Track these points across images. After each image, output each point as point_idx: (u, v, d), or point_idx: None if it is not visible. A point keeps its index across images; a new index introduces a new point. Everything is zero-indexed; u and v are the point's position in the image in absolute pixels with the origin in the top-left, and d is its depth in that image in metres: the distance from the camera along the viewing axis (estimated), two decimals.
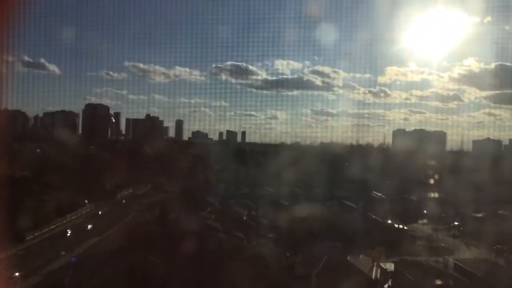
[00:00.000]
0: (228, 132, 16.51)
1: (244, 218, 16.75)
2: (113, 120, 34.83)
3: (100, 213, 18.55)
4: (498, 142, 11.51)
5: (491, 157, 12.22)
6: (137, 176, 22.37)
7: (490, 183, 13.61)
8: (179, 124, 20.07)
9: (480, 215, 15.60)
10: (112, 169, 22.43)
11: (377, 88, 14.57)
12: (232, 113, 12.62)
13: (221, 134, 17.02)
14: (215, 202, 18.71)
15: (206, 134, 17.73)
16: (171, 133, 22.43)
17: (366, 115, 17.22)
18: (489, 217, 15.06)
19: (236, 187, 18.84)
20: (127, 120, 35.31)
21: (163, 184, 21.38)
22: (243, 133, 16.19)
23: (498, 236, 14.22)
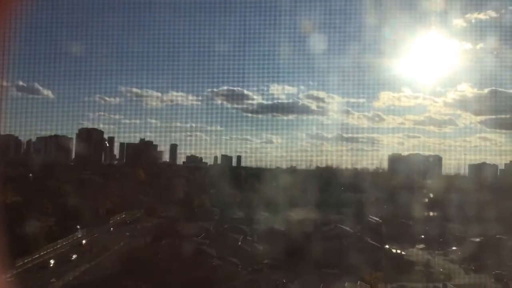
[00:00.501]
0: (223, 156, 16.54)
1: (239, 243, 16.54)
2: (107, 145, 34.74)
3: (91, 239, 18.19)
4: (494, 166, 11.63)
5: (488, 181, 12.21)
6: (131, 201, 22.09)
7: (487, 207, 13.58)
8: (173, 149, 20.03)
9: (478, 239, 15.50)
10: (105, 194, 22.17)
11: (372, 112, 14.93)
12: (227, 138, 12.70)
13: (216, 158, 17.04)
14: (209, 227, 18.49)
15: (201, 159, 17.76)
16: (166, 157, 22.38)
17: (361, 140, 17.40)
18: (487, 241, 14.96)
19: (231, 211, 18.63)
20: (121, 144, 35.21)
21: (157, 209, 21.10)
22: (239, 158, 16.24)
23: (496, 261, 14.10)
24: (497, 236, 15.20)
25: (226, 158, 16.14)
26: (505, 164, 11.04)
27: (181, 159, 18.59)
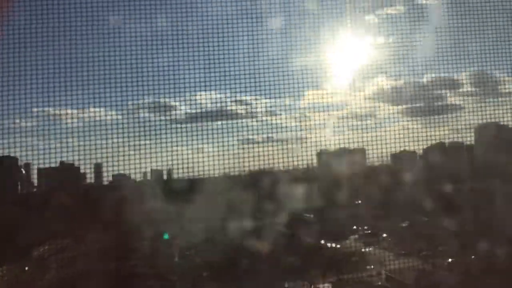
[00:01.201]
0: (153, 171, 15.92)
1: (176, 259, 16.19)
2: (23, 172, 32.11)
3: (10, 275, 16.64)
4: (413, 153, 12.29)
5: (409, 168, 13.02)
6: (54, 230, 20.57)
7: (410, 192, 14.44)
8: (97, 168, 18.85)
9: (405, 224, 16.51)
10: (24, 225, 20.48)
11: (298, 112, 15.22)
12: (155, 151, 12.09)
13: (145, 174, 16.37)
14: (141, 246, 17.84)
15: (129, 176, 16.83)
16: (89, 178, 21.04)
17: (290, 139, 17.79)
18: (414, 225, 15.95)
19: (163, 227, 18.05)
20: (39, 170, 32.58)
21: (82, 235, 19.86)
22: (169, 171, 15.72)
23: (423, 242, 15.06)
24: (422, 219, 16.34)
25: (156, 172, 15.53)
26: (423, 150, 11.82)
27: (107, 179, 17.55)
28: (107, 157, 8.02)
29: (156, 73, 7.12)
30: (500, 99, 7.60)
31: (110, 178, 11.99)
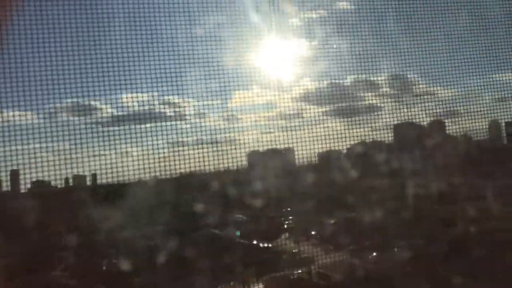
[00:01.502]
0: (75, 176, 14.96)
1: (104, 268, 15.48)
2: None
3: None
4: (337, 152, 12.83)
5: (334, 167, 13.57)
6: None
7: (336, 190, 15.07)
8: (14, 175, 17.46)
9: (333, 221, 17.17)
10: None
11: (228, 113, 15.27)
12: (79, 155, 11.35)
13: (67, 180, 15.37)
14: (67, 255, 16.88)
15: (49, 182, 15.72)
16: (5, 186, 19.43)
17: (220, 140, 17.74)
18: (341, 222, 16.64)
19: (89, 236, 17.15)
20: None
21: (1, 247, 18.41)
22: (94, 176, 14.90)
23: (350, 238, 15.75)
24: (348, 215, 17.10)
25: (79, 178, 14.73)
26: (347, 148, 12.38)
27: (25, 187, 16.22)
28: (24, 163, 7.48)
29: (78, 73, 6.77)
30: (413, 99, 8.18)
31: (28, 186, 11.15)
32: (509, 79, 8.06)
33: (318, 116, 8.50)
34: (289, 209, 17.85)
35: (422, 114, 7.92)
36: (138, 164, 7.55)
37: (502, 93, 8.01)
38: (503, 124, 8.92)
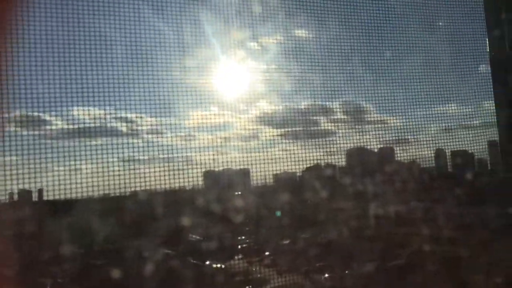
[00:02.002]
0: (21, 191, 14.25)
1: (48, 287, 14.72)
2: None
3: None
4: (293, 174, 13.04)
5: (289, 188, 13.72)
6: None
7: (290, 211, 15.21)
8: None
9: (286, 242, 17.24)
10: None
11: (184, 132, 15.02)
12: (25, 170, 10.72)
13: (11, 194, 14.61)
14: (9, 272, 15.94)
15: None
16: None
17: (176, 159, 17.40)
18: (294, 242, 16.73)
19: (35, 253, 16.32)
20: None
21: None
22: (40, 191, 14.22)
23: (303, 259, 15.86)
24: (302, 236, 17.24)
25: (25, 193, 14.06)
26: (302, 171, 12.59)
27: None
28: None
29: (28, 83, 6.53)
30: (366, 126, 8.48)
31: None
32: (453, 111, 8.54)
33: (274, 138, 8.60)
34: (245, 229, 17.81)
35: (373, 140, 8.21)
36: (87, 181, 7.29)
37: (447, 124, 8.45)
38: (448, 152, 9.39)
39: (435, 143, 8.69)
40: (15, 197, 14.86)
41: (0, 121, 6.81)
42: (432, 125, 8.47)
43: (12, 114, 6.77)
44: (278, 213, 11.93)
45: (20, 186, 8.20)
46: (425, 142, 8.54)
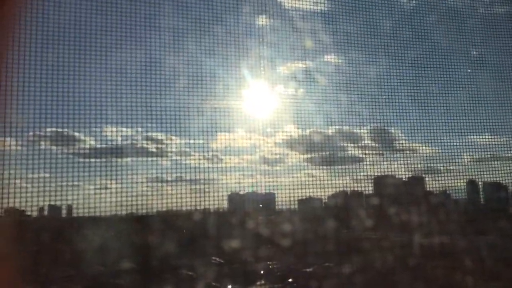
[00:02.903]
0: (50, 206, 14.55)
1: None
2: None
3: None
4: (319, 200, 12.81)
5: (314, 214, 13.51)
6: None
7: (315, 238, 14.92)
8: None
9: (310, 269, 16.88)
10: None
11: (210, 153, 15.04)
12: (54, 185, 10.97)
13: (41, 209, 14.93)
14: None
15: (23, 211, 15.20)
16: None
17: (202, 181, 17.35)
18: (318, 270, 16.36)
19: (60, 269, 16.50)
20: None
21: None
22: (69, 207, 14.50)
23: (326, 287, 15.46)
24: (326, 264, 16.86)
25: (54, 209, 14.37)
26: (328, 197, 12.43)
27: None
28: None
29: (61, 102, 6.75)
30: (395, 154, 8.32)
31: (1, 213, 10.88)
32: (485, 141, 8.29)
33: (301, 163, 8.54)
34: (268, 254, 17.57)
35: (402, 168, 8.03)
36: (113, 198, 7.40)
37: (480, 154, 8.20)
38: (481, 184, 9.08)
39: (468, 174, 8.42)
40: (45, 212, 15.21)
41: (32, 138, 7.03)
42: (464, 155, 8.24)
43: (44, 131, 6.99)
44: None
45: (51, 202, 8.38)
46: (456, 172, 8.29)
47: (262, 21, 7.36)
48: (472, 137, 8.26)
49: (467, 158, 8.28)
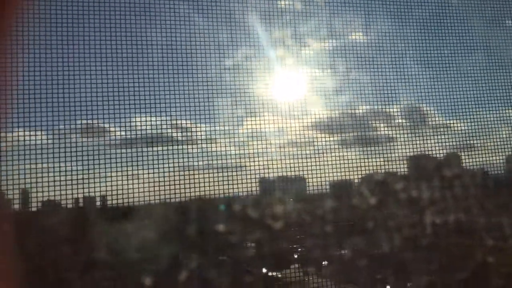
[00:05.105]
0: (85, 197, 14.82)
1: None
2: None
3: None
4: (350, 182, 12.59)
5: (346, 196, 13.32)
6: None
7: (349, 220, 14.72)
8: (24, 194, 17.41)
9: (344, 251, 16.65)
10: None
11: (237, 139, 14.81)
12: (87, 176, 11.05)
13: (77, 200, 15.21)
14: (77, 277, 16.60)
15: (59, 202, 15.58)
16: (16, 205, 19.34)
17: (230, 166, 17.14)
18: (353, 253, 16.17)
19: (94, 260, 16.87)
20: None
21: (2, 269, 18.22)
22: (103, 197, 14.72)
23: (362, 270, 15.27)
24: (360, 247, 16.60)
25: (88, 199, 14.69)
26: (359, 178, 12.16)
27: (35, 205, 16.07)
28: (35, 182, 7.48)
29: (89, 95, 6.82)
30: (428, 130, 8.02)
31: (39, 205, 11.18)
32: None
33: (330, 145, 8.35)
34: (301, 237, 17.52)
35: (437, 146, 7.74)
36: (145, 187, 7.45)
37: None
38: None
39: (506, 149, 8.06)
40: (80, 203, 15.47)
41: (64, 131, 7.13)
42: (502, 129, 7.86)
43: (73, 124, 7.07)
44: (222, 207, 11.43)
45: (83, 193, 8.51)
46: (494, 148, 7.94)
47: (285, 1, 7.16)
48: (509, 109, 7.86)
49: (505, 132, 7.90)
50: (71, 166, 7.71)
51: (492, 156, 8.02)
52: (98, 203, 15.47)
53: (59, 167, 7.51)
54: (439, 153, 8.40)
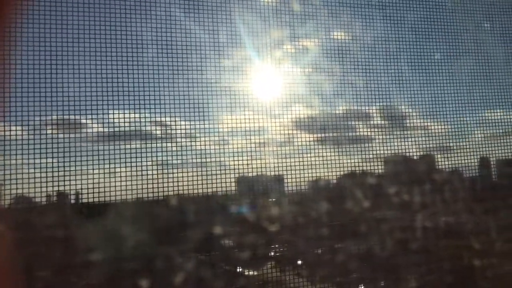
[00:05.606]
0: (59, 193, 14.36)
1: None
2: None
3: None
4: (327, 181, 12.62)
5: (324, 195, 13.43)
6: None
7: (325, 219, 14.83)
8: None
9: (320, 251, 16.74)
10: None
11: (218, 136, 14.50)
12: (62, 172, 10.62)
13: (50, 196, 14.74)
14: (46, 275, 16.17)
15: (32, 198, 15.07)
16: None
17: (209, 164, 16.84)
18: (328, 252, 16.29)
19: (68, 256, 16.46)
20: None
21: None
22: (77, 194, 14.32)
23: (337, 269, 15.40)
24: (336, 246, 16.70)
25: (62, 196, 14.34)
26: (337, 178, 12.19)
27: (7, 202, 15.50)
28: (6, 178, 7.25)
29: (66, 88, 6.65)
30: (406, 132, 8.14)
31: (11, 201, 10.85)
32: (499, 117, 8.09)
33: (309, 144, 8.37)
34: (278, 237, 17.57)
35: (413, 147, 7.87)
36: (121, 184, 7.31)
37: (493, 130, 8.01)
38: (493, 161, 8.92)
39: (480, 151, 8.26)
40: (53, 199, 15.12)
41: (39, 124, 6.94)
42: (476, 132, 8.06)
43: (49, 118, 6.89)
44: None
45: (57, 189, 8.30)
46: (468, 150, 8.13)
47: None
48: (484, 113, 8.07)
49: (479, 135, 8.10)
50: (46, 161, 7.51)
51: (466, 159, 8.21)
52: (72, 200, 15.10)
53: (34, 162, 7.30)
54: (415, 154, 8.55)
